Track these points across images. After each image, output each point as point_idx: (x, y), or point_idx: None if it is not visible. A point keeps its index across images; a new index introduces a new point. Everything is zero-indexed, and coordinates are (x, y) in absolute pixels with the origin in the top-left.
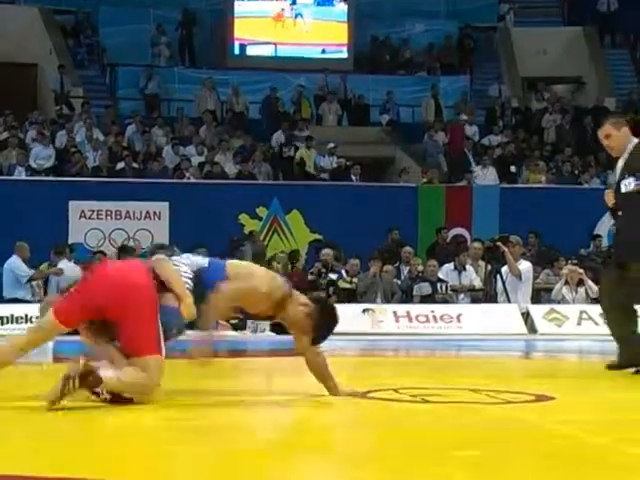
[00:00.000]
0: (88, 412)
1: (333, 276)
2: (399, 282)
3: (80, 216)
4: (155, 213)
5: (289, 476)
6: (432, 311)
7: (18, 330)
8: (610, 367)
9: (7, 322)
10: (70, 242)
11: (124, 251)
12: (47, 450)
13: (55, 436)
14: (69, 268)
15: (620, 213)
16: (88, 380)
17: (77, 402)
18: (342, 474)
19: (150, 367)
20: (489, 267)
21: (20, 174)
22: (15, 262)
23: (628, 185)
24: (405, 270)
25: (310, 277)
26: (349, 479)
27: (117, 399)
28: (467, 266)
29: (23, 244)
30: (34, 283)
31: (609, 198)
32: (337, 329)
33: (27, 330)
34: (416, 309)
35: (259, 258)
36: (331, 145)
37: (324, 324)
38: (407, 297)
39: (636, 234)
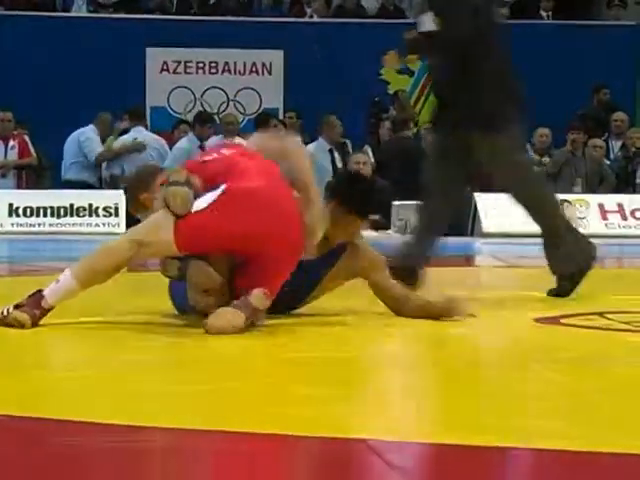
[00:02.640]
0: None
1: None
2: (608, 163)
3: (162, 69)
4: (264, 65)
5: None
6: None
7: (79, 226)
8: None
9: (65, 214)
10: (149, 105)
11: (200, 121)
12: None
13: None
14: (148, 139)
15: None
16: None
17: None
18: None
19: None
20: None
21: (79, 9)
22: (90, 135)
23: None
24: (617, 145)
25: None
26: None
27: None
28: None
29: (106, 115)
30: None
31: None
32: (519, 229)
33: (128, 236)
34: (634, 201)
35: (402, 128)
36: None
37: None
38: (620, 184)
39: None
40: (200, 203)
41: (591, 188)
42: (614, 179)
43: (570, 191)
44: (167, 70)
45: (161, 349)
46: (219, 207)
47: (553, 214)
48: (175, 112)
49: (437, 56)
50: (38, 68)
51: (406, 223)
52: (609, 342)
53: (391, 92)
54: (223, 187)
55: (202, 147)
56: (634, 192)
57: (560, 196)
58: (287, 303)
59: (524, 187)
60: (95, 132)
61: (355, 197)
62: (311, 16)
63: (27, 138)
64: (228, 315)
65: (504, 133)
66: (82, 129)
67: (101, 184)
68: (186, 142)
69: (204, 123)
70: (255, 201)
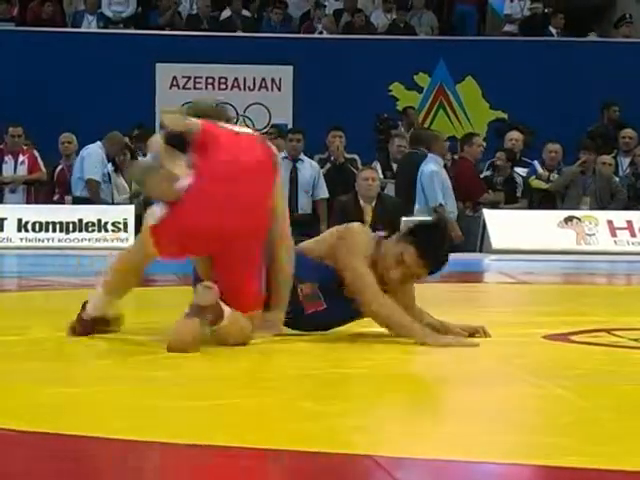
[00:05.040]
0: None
1: (522, 171)
2: (617, 180)
3: (171, 84)
4: (274, 81)
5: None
6: None
7: (87, 241)
8: None
9: (74, 230)
10: (159, 121)
11: None
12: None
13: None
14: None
15: None
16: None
17: None
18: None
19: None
20: None
21: (89, 25)
22: (93, 152)
23: None
24: (625, 162)
25: (485, 173)
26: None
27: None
28: None
29: (116, 135)
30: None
31: None
32: (528, 246)
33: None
34: None
35: (418, 142)
36: None
37: None
38: (629, 201)
39: None
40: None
41: (602, 205)
42: (625, 194)
43: (578, 209)
44: (177, 85)
45: (172, 365)
46: (182, 205)
47: None
48: None
49: None
50: (48, 84)
51: None
52: (617, 359)
53: (399, 108)
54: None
55: None
56: None
57: (567, 213)
58: (322, 325)
59: None
60: (101, 149)
61: (432, 250)
62: (321, 32)
63: (36, 153)
64: (182, 327)
65: None
66: (89, 146)
67: (112, 200)
68: None
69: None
70: (214, 201)
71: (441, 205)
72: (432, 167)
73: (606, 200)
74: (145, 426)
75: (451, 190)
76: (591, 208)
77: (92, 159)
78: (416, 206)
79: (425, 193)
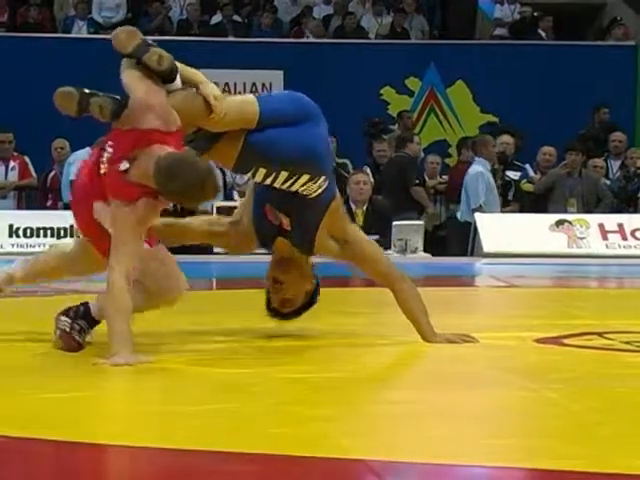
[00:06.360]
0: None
1: (514, 175)
2: (608, 182)
3: None
4: (264, 85)
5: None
6: None
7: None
8: None
9: (65, 235)
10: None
11: None
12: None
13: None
14: None
15: None
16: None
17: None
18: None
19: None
20: None
21: (80, 30)
22: (80, 157)
23: None
24: (615, 165)
25: None
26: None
27: None
28: None
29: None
30: None
31: None
32: (520, 249)
33: None
34: (634, 221)
35: (402, 146)
36: None
37: None
38: (620, 204)
39: None
40: None
41: (588, 208)
42: (612, 199)
43: (564, 211)
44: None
45: (160, 370)
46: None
47: None
48: None
49: None
50: (38, 89)
51: (406, 242)
52: (609, 362)
53: (390, 112)
54: None
55: None
56: (635, 212)
57: (559, 216)
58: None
59: None
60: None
61: None
62: (308, 37)
63: (27, 159)
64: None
65: None
66: (77, 152)
67: None
68: None
69: None
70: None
71: (481, 206)
72: (478, 168)
73: (592, 203)
74: (134, 432)
75: (495, 192)
76: (577, 210)
77: (78, 164)
78: (461, 207)
79: (468, 194)
